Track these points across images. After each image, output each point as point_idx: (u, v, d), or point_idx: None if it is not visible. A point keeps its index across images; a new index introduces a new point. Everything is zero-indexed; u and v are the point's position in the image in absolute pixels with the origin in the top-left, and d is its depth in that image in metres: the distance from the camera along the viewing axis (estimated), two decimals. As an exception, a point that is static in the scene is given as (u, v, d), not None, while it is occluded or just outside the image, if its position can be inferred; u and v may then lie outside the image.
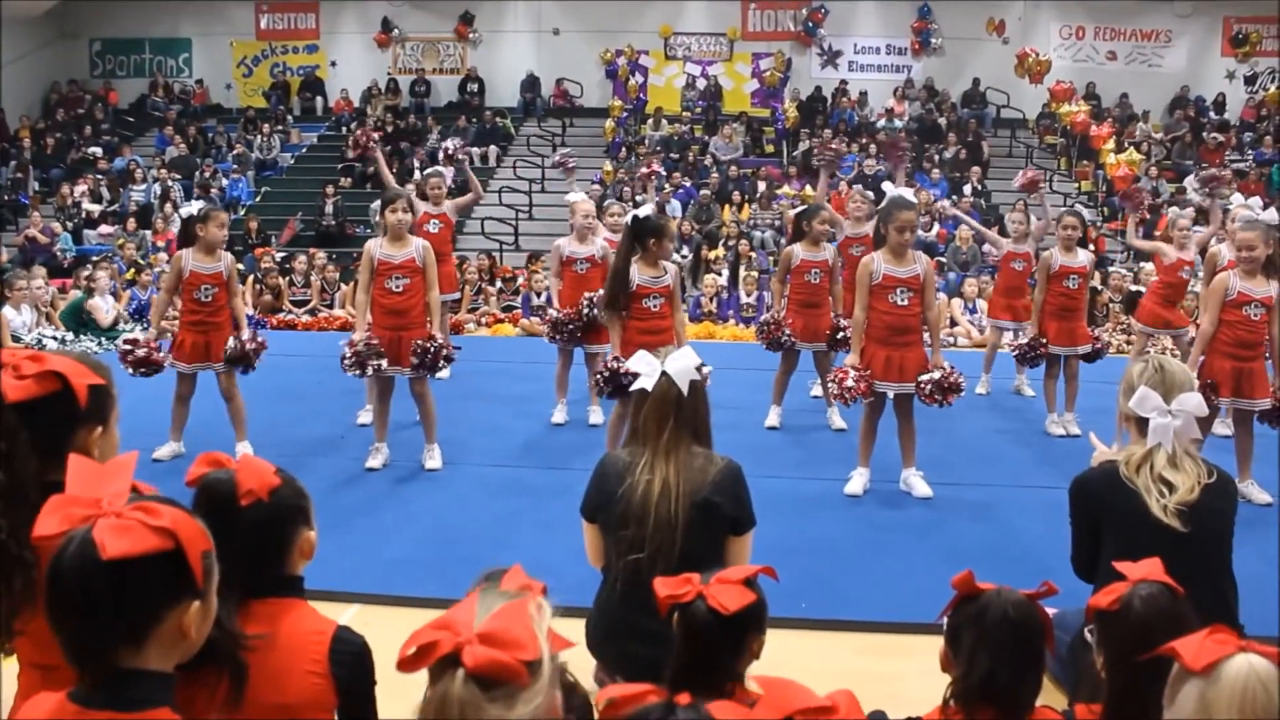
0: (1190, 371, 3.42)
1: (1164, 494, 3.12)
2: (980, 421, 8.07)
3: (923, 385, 5.91)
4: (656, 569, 2.77)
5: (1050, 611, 2.43)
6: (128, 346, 6.47)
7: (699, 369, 3.13)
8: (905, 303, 5.99)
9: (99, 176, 18.11)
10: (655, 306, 5.99)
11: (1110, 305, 12.89)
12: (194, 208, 6.70)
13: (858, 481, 6.19)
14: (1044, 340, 7.67)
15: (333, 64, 21.78)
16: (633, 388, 3.16)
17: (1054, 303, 7.68)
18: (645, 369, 3.11)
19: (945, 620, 2.42)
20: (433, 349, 6.33)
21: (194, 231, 6.48)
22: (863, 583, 4.92)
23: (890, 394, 6.10)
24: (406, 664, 1.53)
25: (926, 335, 6.25)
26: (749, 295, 13.53)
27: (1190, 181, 17.21)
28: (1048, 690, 3.47)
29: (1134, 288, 12.68)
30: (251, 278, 14.20)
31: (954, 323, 12.85)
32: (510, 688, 1.48)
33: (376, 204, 7.70)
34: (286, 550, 2.21)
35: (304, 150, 20.21)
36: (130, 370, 6.38)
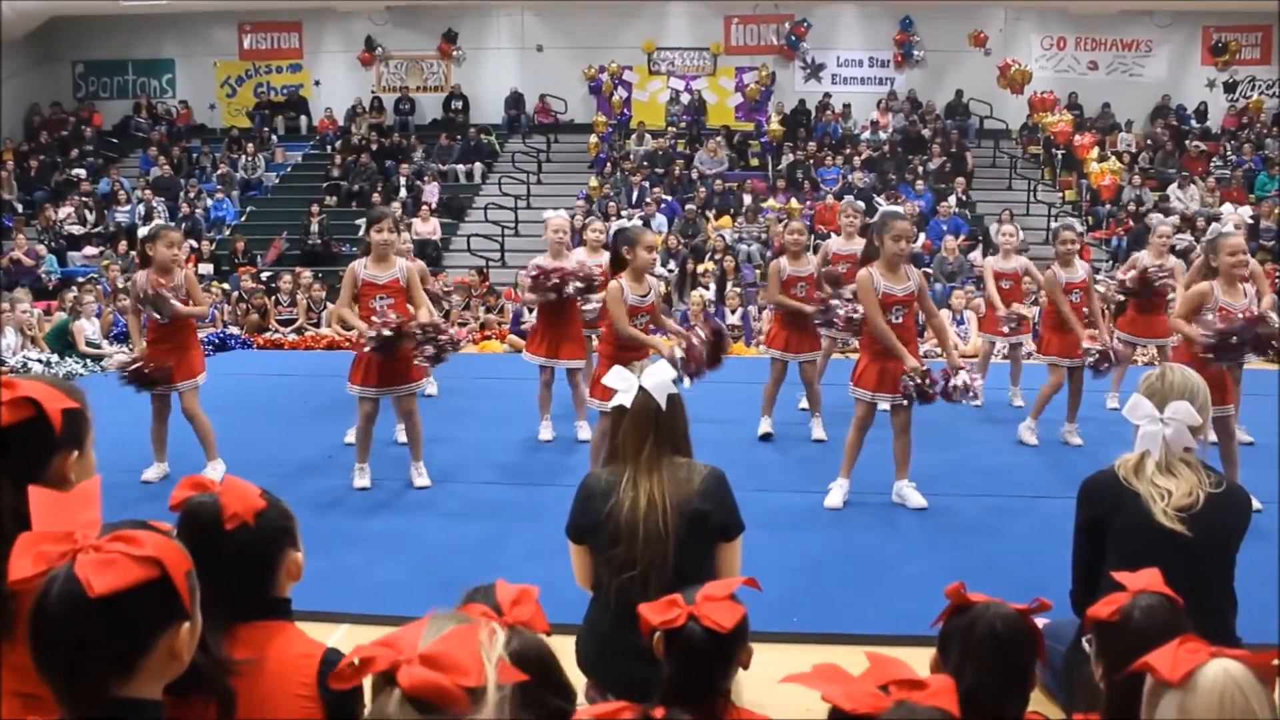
0: (1195, 380, 3.36)
1: (1164, 498, 3.14)
2: (973, 433, 8.06)
3: (910, 378, 5.80)
4: (650, 585, 2.75)
5: (1042, 622, 2.42)
6: (133, 368, 6.35)
7: (675, 381, 3.12)
8: (899, 320, 5.97)
9: (83, 198, 18.02)
10: (639, 325, 5.93)
11: (1105, 312, 12.88)
12: (148, 229, 6.66)
13: (837, 494, 6.15)
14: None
15: (316, 83, 21.77)
16: (610, 404, 3.14)
17: (1053, 316, 7.60)
18: (622, 385, 3.08)
19: (938, 629, 2.42)
20: (433, 330, 6.19)
21: (145, 251, 6.46)
22: (855, 596, 4.88)
23: (885, 406, 6.06)
24: (343, 677, 1.50)
25: (932, 344, 6.18)
26: (733, 313, 13.17)
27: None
28: (1040, 701, 3.46)
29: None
30: (236, 296, 14.17)
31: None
32: (448, 713, 1.43)
33: (363, 221, 7.63)
34: (273, 573, 2.20)
35: (288, 169, 20.18)
36: (140, 387, 6.38)
